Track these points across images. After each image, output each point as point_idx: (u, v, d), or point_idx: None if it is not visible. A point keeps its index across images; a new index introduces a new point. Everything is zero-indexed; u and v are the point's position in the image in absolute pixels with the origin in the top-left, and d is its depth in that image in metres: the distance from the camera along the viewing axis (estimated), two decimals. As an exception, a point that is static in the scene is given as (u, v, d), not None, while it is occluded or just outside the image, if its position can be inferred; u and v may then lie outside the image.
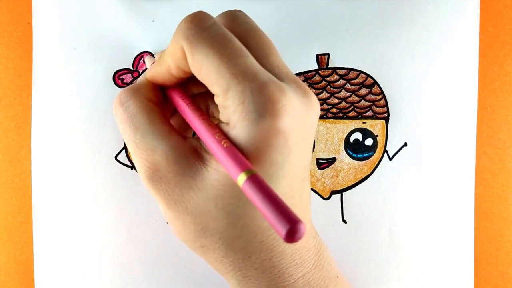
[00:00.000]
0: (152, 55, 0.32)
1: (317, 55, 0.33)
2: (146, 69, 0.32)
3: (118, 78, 0.32)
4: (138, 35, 0.32)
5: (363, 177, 0.33)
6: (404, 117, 0.33)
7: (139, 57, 0.32)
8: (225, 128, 0.21)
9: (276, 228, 0.16)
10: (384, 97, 0.33)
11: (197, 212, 0.22)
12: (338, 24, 0.33)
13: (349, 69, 0.33)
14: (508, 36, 0.33)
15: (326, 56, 0.33)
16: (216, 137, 0.20)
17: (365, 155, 0.33)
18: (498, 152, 0.33)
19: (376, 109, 0.33)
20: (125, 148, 0.32)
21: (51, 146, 0.32)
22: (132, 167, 0.32)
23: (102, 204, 0.32)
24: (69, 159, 0.32)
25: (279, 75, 0.22)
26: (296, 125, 0.20)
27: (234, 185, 0.20)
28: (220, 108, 0.21)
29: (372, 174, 0.33)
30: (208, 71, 0.20)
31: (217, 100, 0.21)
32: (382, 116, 0.33)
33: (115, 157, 0.32)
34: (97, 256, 0.32)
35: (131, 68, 0.32)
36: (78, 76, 0.32)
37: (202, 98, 0.26)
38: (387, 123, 0.33)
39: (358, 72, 0.33)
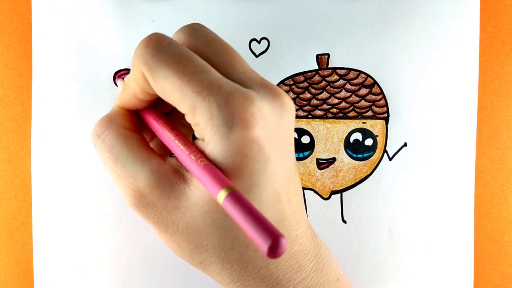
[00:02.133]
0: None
1: (317, 55, 0.33)
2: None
3: (119, 78, 0.32)
4: (138, 36, 0.32)
5: (363, 177, 0.33)
6: (404, 117, 0.33)
7: (139, 57, 0.32)
8: (201, 144, 0.21)
9: (257, 244, 0.16)
10: (384, 97, 0.33)
11: (188, 231, 0.22)
12: (338, 24, 0.33)
13: (349, 69, 0.33)
14: (508, 36, 0.33)
15: (326, 56, 0.33)
16: (192, 156, 0.20)
17: (365, 155, 0.33)
18: (498, 152, 0.33)
19: (376, 109, 0.33)
20: (125, 148, 0.32)
21: (51, 146, 0.32)
22: (132, 167, 0.32)
23: (102, 204, 0.32)
24: (69, 159, 0.32)
25: (246, 82, 0.21)
26: (269, 131, 0.20)
27: None
28: (192, 126, 0.21)
29: (372, 174, 0.33)
30: (172, 92, 0.20)
31: (187, 118, 0.21)
32: (382, 116, 0.33)
33: (115, 157, 0.32)
34: (97, 256, 0.32)
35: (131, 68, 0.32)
36: (78, 76, 0.32)
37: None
38: (387, 123, 0.33)
39: (358, 72, 0.33)
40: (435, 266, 0.33)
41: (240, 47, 0.32)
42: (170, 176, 0.22)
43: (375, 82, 0.33)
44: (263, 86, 0.21)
